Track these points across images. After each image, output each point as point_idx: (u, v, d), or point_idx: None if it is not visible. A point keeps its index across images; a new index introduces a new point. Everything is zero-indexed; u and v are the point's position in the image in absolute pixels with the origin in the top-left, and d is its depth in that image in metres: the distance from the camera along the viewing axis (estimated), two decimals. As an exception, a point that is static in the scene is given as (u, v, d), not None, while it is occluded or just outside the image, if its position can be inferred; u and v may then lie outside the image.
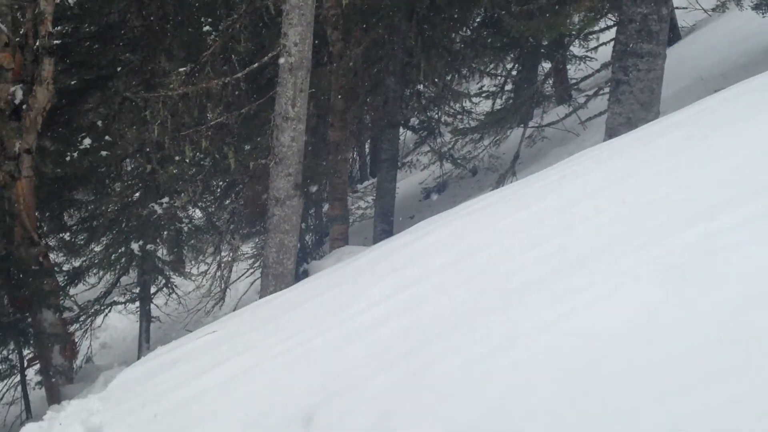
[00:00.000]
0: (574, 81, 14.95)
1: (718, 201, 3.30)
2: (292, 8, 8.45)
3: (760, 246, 2.73)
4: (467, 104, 14.63)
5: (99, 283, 13.01)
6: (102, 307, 12.99)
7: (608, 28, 13.33)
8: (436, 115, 14.52)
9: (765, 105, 4.52)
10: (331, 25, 11.32)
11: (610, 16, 12.72)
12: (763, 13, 11.10)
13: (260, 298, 8.91)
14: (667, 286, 2.76)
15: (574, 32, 11.90)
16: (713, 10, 14.13)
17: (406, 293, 4.42)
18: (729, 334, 2.28)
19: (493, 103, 14.29)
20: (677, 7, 15.68)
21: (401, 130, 13.57)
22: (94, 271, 12.77)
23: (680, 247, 2.97)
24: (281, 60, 8.66)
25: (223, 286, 12.68)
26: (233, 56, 9.45)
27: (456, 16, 12.53)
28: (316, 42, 10.42)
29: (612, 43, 9.60)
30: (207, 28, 10.69)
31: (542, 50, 13.31)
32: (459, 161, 13.83)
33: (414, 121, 14.64)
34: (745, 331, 2.25)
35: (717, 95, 6.17)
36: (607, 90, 10.04)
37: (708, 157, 4.08)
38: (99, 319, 13.24)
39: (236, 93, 9.65)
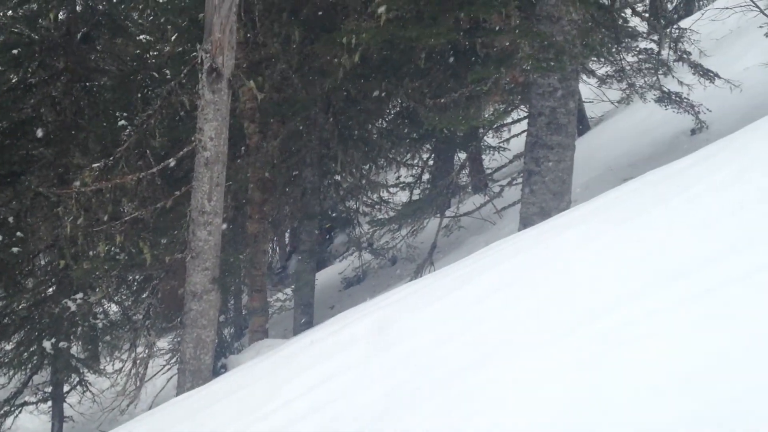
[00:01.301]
0: (489, 171, 15.27)
1: (627, 291, 3.38)
2: (207, 104, 8.51)
3: (670, 335, 2.80)
4: (385, 194, 14.77)
5: (9, 382, 12.57)
6: (12, 408, 12.52)
7: (519, 120, 13.70)
8: (354, 206, 14.62)
9: (669, 196, 4.68)
10: (247, 118, 11.40)
11: (522, 107, 13.09)
12: (665, 106, 11.57)
13: (177, 395, 8.71)
14: (580, 378, 2.80)
15: (486, 124, 12.20)
16: (619, 102, 14.66)
17: (324, 388, 4.38)
18: (642, 425, 2.32)
19: (411, 193, 14.46)
20: (585, 100, 16.24)
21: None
22: (4, 370, 12.35)
23: (591, 339, 3.03)
24: (197, 155, 8.67)
25: (138, 383, 12.36)
26: (148, 151, 9.42)
27: (372, 108, 12.75)
28: (233, 135, 10.48)
29: (524, 134, 9.86)
30: (122, 122, 10.66)
31: (457, 141, 13.60)
32: (377, 251, 13.90)
33: (332, 212, 14.71)
34: (658, 418, 2.30)
35: (625, 186, 6.37)
36: (520, 180, 10.28)
37: (617, 248, 4.19)
38: (9, 421, 12.74)
39: (152, 188, 9.59)
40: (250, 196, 11.92)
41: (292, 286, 14.06)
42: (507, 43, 9.75)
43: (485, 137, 13.98)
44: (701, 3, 18.57)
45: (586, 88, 15.26)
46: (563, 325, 3.36)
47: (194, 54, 9.10)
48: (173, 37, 11.85)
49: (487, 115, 11.29)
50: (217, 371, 9.72)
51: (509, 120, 14.05)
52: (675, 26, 13.02)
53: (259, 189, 11.82)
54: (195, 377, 8.87)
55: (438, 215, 12.69)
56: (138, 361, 12.50)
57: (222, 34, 8.44)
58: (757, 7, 11.10)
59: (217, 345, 10.15)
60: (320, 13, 11.52)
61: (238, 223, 12.82)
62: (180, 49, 11.55)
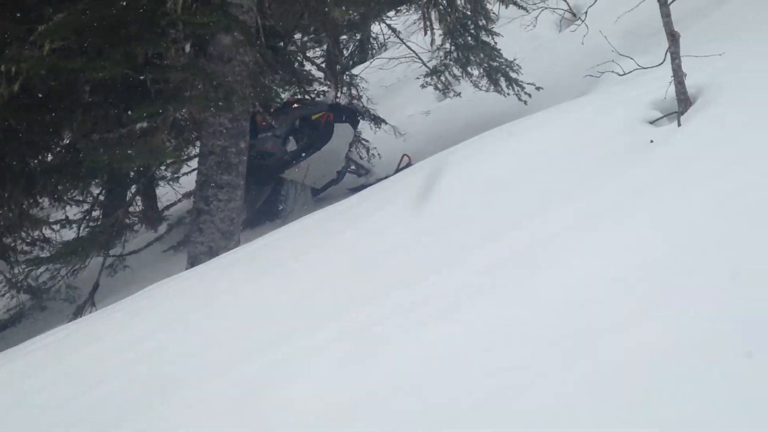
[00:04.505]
0: (163, 208, 14.92)
1: (275, 334, 3.39)
2: None
3: (315, 377, 2.82)
4: (48, 232, 13.92)
5: None
6: None
7: (195, 157, 13.53)
8: (12, 244, 13.64)
9: (328, 239, 4.80)
10: None
11: (198, 145, 12.92)
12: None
13: None
14: (239, 416, 2.75)
15: (156, 162, 11.91)
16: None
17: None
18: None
19: (80, 230, 13.74)
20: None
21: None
22: None
23: (236, 383, 2.99)
24: None
25: None
26: None
27: (36, 141, 12.01)
28: None
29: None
30: None
31: (129, 177, 13.18)
32: (35, 291, 13.05)
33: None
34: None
35: (294, 224, 6.48)
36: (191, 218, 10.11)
37: (273, 289, 4.20)
38: None
39: None
40: None
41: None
42: (179, 80, 9.59)
43: (158, 173, 13.64)
44: (373, 52, 19.54)
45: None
46: (218, 365, 3.30)
47: None
48: None
49: (158, 153, 11.01)
50: None
51: (184, 157, 13.83)
52: (347, 72, 13.59)
53: None
54: None
55: (103, 254, 12.13)
56: None
57: None
58: (420, 59, 11.91)
59: None
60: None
61: None
62: None
